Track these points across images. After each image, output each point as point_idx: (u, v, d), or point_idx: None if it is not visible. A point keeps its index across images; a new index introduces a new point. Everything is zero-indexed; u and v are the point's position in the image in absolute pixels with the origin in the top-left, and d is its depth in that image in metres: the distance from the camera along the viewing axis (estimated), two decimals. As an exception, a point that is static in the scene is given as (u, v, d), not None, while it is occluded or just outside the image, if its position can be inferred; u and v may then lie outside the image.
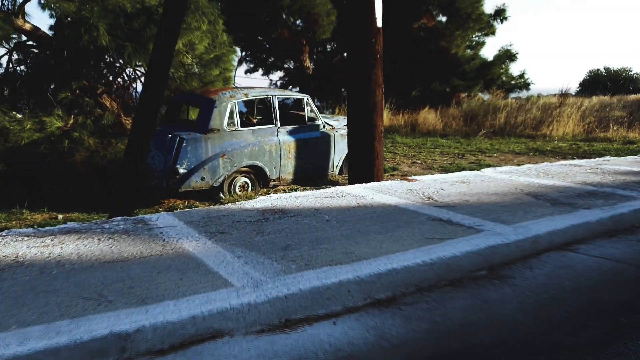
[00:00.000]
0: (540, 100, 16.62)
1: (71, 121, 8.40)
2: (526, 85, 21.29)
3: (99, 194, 6.97)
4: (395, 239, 2.92)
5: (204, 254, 2.62)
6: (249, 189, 7.05)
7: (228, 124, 6.72)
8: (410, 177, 4.08)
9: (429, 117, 14.71)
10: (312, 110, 7.75)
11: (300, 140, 7.45)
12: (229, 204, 3.32)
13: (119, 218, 2.96)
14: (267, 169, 7.09)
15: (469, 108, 15.84)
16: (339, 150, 8.02)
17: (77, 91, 8.64)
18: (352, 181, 5.45)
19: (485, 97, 20.22)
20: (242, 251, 2.67)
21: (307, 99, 7.70)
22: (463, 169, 8.66)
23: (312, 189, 7.04)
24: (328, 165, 7.93)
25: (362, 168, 5.39)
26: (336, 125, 8.14)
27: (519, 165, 9.03)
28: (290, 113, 8.25)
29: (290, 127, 7.41)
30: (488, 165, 8.97)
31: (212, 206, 3.27)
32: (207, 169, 6.52)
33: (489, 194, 3.76)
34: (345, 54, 20.05)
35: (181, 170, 6.34)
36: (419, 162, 9.57)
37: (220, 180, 6.65)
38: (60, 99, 8.15)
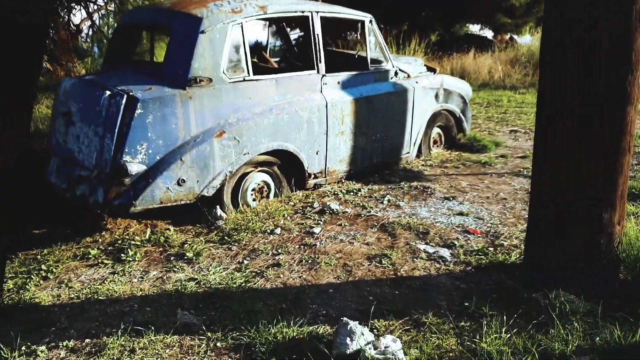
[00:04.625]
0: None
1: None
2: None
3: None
4: None
5: None
6: (271, 195, 3.72)
7: (229, 69, 3.30)
8: None
9: (485, 63, 11.21)
10: (378, 45, 4.29)
11: (361, 100, 4.04)
12: None
13: None
14: (303, 156, 3.74)
15: (530, 53, 12.38)
16: (419, 115, 4.65)
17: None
18: (535, 238, 2.17)
19: (520, 40, 16.62)
20: None
21: (371, 21, 4.23)
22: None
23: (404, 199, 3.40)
24: (402, 144, 4.57)
25: (577, 195, 2.07)
26: (411, 72, 4.72)
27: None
28: (340, 51, 4.80)
29: (343, 75, 3.98)
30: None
31: None
32: (189, 161, 3.15)
33: None
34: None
35: (133, 168, 2.97)
36: (520, 129, 6.24)
37: (217, 183, 3.31)
38: None
